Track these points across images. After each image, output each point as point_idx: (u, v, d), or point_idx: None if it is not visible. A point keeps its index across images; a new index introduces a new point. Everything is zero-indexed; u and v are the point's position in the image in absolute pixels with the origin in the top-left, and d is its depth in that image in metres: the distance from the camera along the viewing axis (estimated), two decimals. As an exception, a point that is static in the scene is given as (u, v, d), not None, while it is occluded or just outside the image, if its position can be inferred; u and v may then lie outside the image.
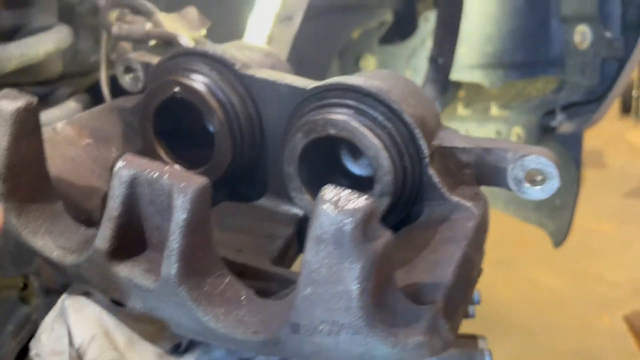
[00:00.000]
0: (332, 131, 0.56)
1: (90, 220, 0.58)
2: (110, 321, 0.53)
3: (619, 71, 1.42)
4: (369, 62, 1.86)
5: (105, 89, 0.95)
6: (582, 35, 1.47)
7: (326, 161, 0.64)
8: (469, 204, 0.56)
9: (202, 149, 0.66)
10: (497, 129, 1.75)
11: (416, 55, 1.80)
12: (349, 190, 0.40)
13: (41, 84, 1.05)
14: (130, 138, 0.68)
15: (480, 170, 0.60)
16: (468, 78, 1.71)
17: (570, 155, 1.54)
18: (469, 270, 0.49)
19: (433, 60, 1.57)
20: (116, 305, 0.52)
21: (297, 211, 0.65)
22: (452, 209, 0.56)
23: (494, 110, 1.80)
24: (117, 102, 0.71)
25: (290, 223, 0.63)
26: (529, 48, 1.59)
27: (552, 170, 0.59)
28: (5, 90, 0.51)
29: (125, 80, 0.75)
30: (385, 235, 0.40)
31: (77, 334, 0.52)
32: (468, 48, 1.65)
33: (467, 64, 1.69)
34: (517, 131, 1.67)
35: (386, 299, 0.40)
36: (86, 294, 0.57)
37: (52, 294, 0.94)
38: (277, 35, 0.89)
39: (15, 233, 0.52)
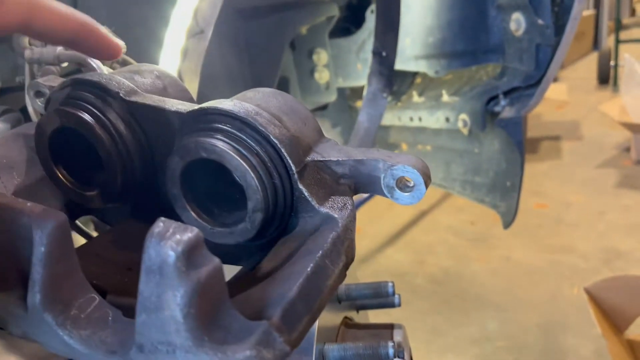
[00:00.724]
0: (203, 154, 0.59)
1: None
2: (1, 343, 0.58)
3: (552, 57, 1.46)
4: (321, 56, 1.89)
5: (31, 110, 0.98)
6: (517, 22, 1.51)
7: (219, 175, 0.68)
8: (335, 214, 0.60)
9: (101, 170, 0.70)
10: (446, 116, 1.79)
11: (365, 47, 1.83)
12: (178, 223, 0.44)
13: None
14: (33, 163, 0.72)
15: (357, 180, 0.64)
16: (414, 68, 1.74)
17: (513, 139, 1.59)
18: (319, 281, 0.53)
19: (376, 53, 1.61)
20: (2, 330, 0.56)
21: (191, 226, 0.68)
22: (322, 220, 0.60)
23: (445, 97, 1.84)
24: (21, 129, 0.75)
25: (183, 238, 0.67)
26: (469, 37, 1.63)
27: (417, 177, 0.63)
28: None
29: (37, 104, 0.78)
30: (211, 263, 0.44)
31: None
32: (411, 40, 1.68)
33: (412, 55, 1.72)
34: (463, 117, 1.71)
35: (218, 319, 0.45)
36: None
37: None
38: (190, 49, 0.92)
39: None
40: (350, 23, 1.98)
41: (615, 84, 5.65)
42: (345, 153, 0.65)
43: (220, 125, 0.60)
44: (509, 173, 1.77)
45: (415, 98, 1.94)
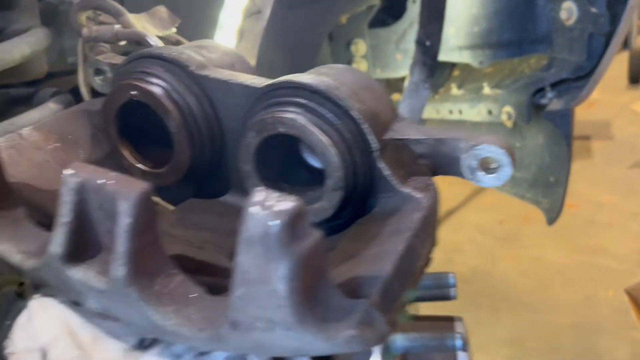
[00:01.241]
0: (281, 129, 0.57)
1: (56, 224, 0.60)
2: (75, 320, 0.56)
3: (605, 47, 1.41)
4: (359, 46, 1.86)
5: (83, 90, 0.97)
6: (568, 11, 1.46)
7: (287, 155, 0.65)
8: (418, 195, 0.57)
9: (167, 149, 0.68)
10: (489, 109, 1.75)
11: (405, 38, 1.80)
12: (278, 194, 0.41)
13: (28, 84, 1.07)
14: (98, 140, 0.70)
15: (435, 161, 0.61)
16: (457, 59, 1.71)
17: (561, 132, 1.54)
18: (411, 261, 0.50)
19: (420, 42, 1.57)
20: (77, 306, 0.54)
21: (260, 206, 0.66)
22: (403, 200, 0.58)
23: (486, 89, 1.80)
24: (84, 105, 0.73)
25: (252, 219, 0.65)
26: (516, 27, 1.59)
27: (503, 157, 0.60)
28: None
29: (97, 82, 0.76)
30: (313, 236, 0.41)
31: (40, 335, 0.54)
32: (456, 29, 1.65)
33: (455, 45, 1.68)
34: (508, 110, 1.67)
35: (318, 295, 0.42)
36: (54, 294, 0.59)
37: (43, 290, 0.97)
38: (247, 29, 0.90)
39: (-22, 240, 0.54)
40: (387, 14, 1.95)
41: (646, 83, 5.54)
42: (424, 132, 0.62)
43: (299, 100, 0.58)
44: (552, 168, 1.72)
45: (454, 91, 1.90)
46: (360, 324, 0.42)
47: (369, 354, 0.73)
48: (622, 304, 2.65)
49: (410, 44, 1.76)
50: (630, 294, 2.04)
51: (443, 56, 1.64)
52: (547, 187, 1.78)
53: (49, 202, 0.62)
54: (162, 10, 0.87)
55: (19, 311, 1.11)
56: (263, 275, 0.40)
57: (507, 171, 0.60)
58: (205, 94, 0.63)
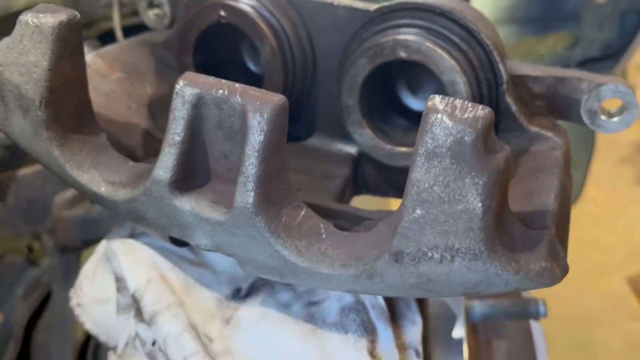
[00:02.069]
0: (402, 54, 0.51)
1: (132, 157, 0.53)
2: (164, 264, 0.48)
3: (638, 23, 1.38)
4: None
5: (119, 34, 0.88)
6: (601, -13, 1.42)
7: (382, 97, 0.59)
8: (549, 134, 0.52)
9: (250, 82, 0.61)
10: (508, 88, 1.71)
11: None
12: (461, 99, 0.35)
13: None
14: (164, 74, 0.62)
15: (552, 102, 0.56)
16: (480, 35, 1.66)
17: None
18: (567, 198, 0.44)
19: (446, 15, 1.52)
20: (174, 244, 0.47)
21: (351, 150, 0.60)
22: (531, 140, 0.52)
23: (503, 69, 1.75)
24: (146, 36, 0.65)
25: (346, 162, 0.59)
26: (544, 2, 1.54)
27: (631, 99, 0.54)
28: (42, 4, 0.45)
29: (149, 16, 0.68)
30: (505, 150, 0.35)
31: (130, 278, 0.47)
32: (481, 4, 1.60)
33: (479, 20, 1.64)
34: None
35: (504, 221, 0.36)
36: (131, 237, 0.52)
37: (69, 253, 0.89)
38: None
39: (57, 166, 0.46)
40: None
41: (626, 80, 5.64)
42: (542, 70, 0.56)
43: (421, 22, 0.51)
44: (572, 149, 1.68)
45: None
46: (549, 257, 0.36)
47: (454, 319, 0.67)
48: (614, 295, 2.67)
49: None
50: (633, 283, 2.03)
51: (466, 31, 1.59)
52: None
53: (119, 135, 0.55)
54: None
55: (31, 279, 1.02)
56: (452, 193, 0.34)
57: (633, 114, 0.55)
58: (302, 19, 0.56)
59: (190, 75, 0.41)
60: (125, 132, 0.55)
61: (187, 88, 0.41)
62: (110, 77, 0.58)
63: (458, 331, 0.66)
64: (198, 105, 0.41)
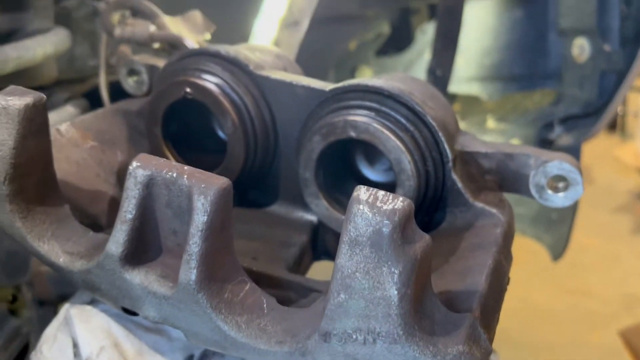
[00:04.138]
0: (352, 133, 0.54)
1: (96, 225, 0.56)
2: (119, 331, 0.50)
3: (617, 84, 1.42)
4: (365, 73, 1.85)
5: (104, 94, 0.92)
6: (581, 48, 1.47)
7: (341, 167, 0.62)
8: (494, 210, 0.54)
9: (211, 154, 0.64)
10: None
11: (412, 67, 1.79)
12: (383, 191, 0.37)
13: (36, 90, 1.02)
14: (136, 141, 0.66)
15: (502, 177, 0.58)
16: (466, 90, 1.70)
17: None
18: (500, 277, 0.47)
19: (431, 72, 1.56)
20: (126, 314, 0.49)
21: (311, 218, 0.62)
22: (476, 215, 0.54)
23: (490, 123, 1.80)
24: (121, 105, 0.69)
25: (305, 230, 0.61)
26: (527, 61, 1.59)
27: (575, 176, 0.57)
28: (12, 87, 0.48)
29: (129, 83, 0.72)
30: (424, 239, 0.38)
31: (84, 345, 0.49)
32: (466, 60, 1.65)
33: (464, 77, 1.68)
34: (515, 143, 1.66)
35: (424, 306, 0.38)
36: (91, 302, 0.54)
37: (45, 306, 0.91)
38: (283, 40, 0.87)
39: (19, 237, 0.49)
40: (392, 45, 1.95)
41: (623, 130, 5.69)
42: (492, 146, 0.59)
43: (371, 104, 0.55)
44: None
45: (456, 124, 1.89)
46: (469, 340, 0.38)
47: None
48: (608, 346, 2.64)
49: (416, 74, 1.75)
50: (625, 337, 2.02)
51: (452, 87, 1.64)
52: (549, 224, 1.77)
53: (86, 202, 0.57)
54: (196, 14, 0.84)
55: (12, 330, 1.04)
56: (372, 280, 0.36)
57: (577, 191, 0.57)
58: (264, 95, 0.60)
59: (143, 156, 0.44)
60: (91, 200, 0.57)
61: (139, 170, 0.43)
62: (82, 146, 0.61)
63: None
64: (149, 185, 0.44)
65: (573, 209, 1.64)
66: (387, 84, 0.55)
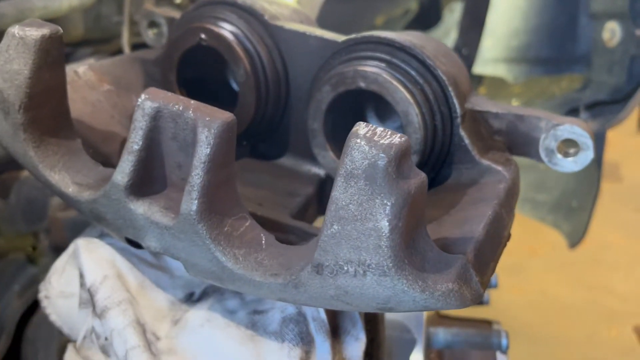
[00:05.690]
0: (361, 84, 0.54)
1: (108, 164, 0.57)
2: (123, 263, 0.52)
3: (647, 70, 1.39)
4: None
5: (126, 50, 0.94)
6: (611, 32, 1.44)
7: (352, 122, 0.62)
8: (499, 167, 0.54)
9: (223, 105, 0.65)
10: (518, 126, 1.72)
11: (439, 47, 1.78)
12: (382, 128, 0.38)
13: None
14: (152, 89, 0.67)
15: (512, 139, 0.58)
16: (492, 72, 1.68)
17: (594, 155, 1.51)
18: (499, 229, 0.47)
19: (457, 50, 1.55)
20: (130, 246, 0.50)
21: (319, 171, 0.63)
22: (482, 172, 0.54)
23: (516, 105, 1.77)
24: (139, 54, 0.70)
25: (312, 183, 0.62)
26: (556, 44, 1.56)
27: (586, 140, 0.56)
28: (30, 19, 0.49)
29: (149, 35, 0.73)
30: (419, 176, 0.38)
31: (88, 274, 0.50)
32: (493, 41, 1.62)
33: (491, 57, 1.66)
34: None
35: (416, 242, 0.38)
36: (100, 237, 0.56)
37: (61, 252, 0.93)
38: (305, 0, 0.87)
39: (31, 166, 0.50)
40: (420, 23, 1.93)
41: (656, 129, 5.56)
42: (503, 107, 0.59)
43: (382, 55, 0.55)
44: (576, 192, 1.69)
45: (481, 107, 1.87)
46: (459, 279, 0.38)
47: (413, 343, 0.69)
48: (625, 343, 2.60)
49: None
50: (639, 332, 1.99)
51: (477, 68, 1.62)
52: (569, 211, 1.75)
53: (99, 142, 0.59)
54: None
55: (29, 277, 1.07)
56: (364, 212, 0.36)
57: (588, 155, 0.57)
58: (277, 46, 0.60)
59: (152, 90, 0.45)
60: (105, 140, 0.59)
61: (148, 102, 0.44)
62: (98, 89, 0.63)
63: (416, 356, 0.67)
64: (156, 118, 0.44)
65: (593, 197, 1.62)
66: (399, 37, 0.55)
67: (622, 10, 1.39)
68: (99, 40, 1.09)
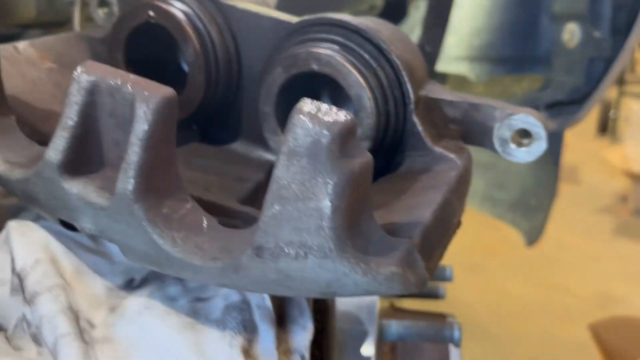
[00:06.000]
0: (314, 66, 0.52)
1: (44, 143, 0.54)
2: (58, 248, 0.49)
3: (604, 71, 1.41)
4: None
5: (77, 28, 0.91)
6: (571, 33, 1.46)
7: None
8: (452, 155, 0.53)
9: (175, 87, 0.62)
10: (479, 125, 1.73)
11: (403, 43, 1.77)
12: (328, 105, 0.36)
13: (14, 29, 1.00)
14: (98, 69, 0.64)
15: (467, 127, 0.57)
16: (455, 70, 1.69)
17: (550, 154, 1.53)
18: (448, 215, 0.46)
19: (420, 47, 1.54)
20: (65, 228, 0.48)
21: (271, 158, 0.61)
22: (434, 160, 0.53)
23: (477, 106, 1.78)
24: (86, 32, 0.67)
25: (263, 169, 0.60)
26: (517, 43, 1.58)
27: (539, 130, 0.56)
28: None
29: (99, 14, 0.70)
30: (365, 156, 0.36)
31: (19, 258, 0.47)
32: (456, 39, 1.63)
33: (454, 55, 1.67)
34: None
35: (360, 225, 0.37)
36: (35, 220, 0.53)
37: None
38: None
39: (-42, 142, 0.47)
40: (386, 18, 1.93)
41: (614, 133, 5.71)
42: (459, 96, 0.58)
43: (336, 37, 0.53)
44: (535, 192, 1.71)
45: (444, 105, 1.88)
46: (403, 263, 0.37)
47: (365, 335, 0.67)
48: (579, 340, 2.66)
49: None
50: (593, 330, 2.03)
51: (441, 66, 1.62)
52: (527, 210, 1.77)
53: (38, 121, 0.56)
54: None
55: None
56: (306, 191, 0.35)
57: (541, 146, 0.56)
58: (229, 25, 0.58)
59: (90, 63, 0.43)
60: (44, 119, 0.56)
61: (84, 75, 0.42)
62: (40, 66, 0.60)
63: (367, 348, 0.66)
64: (93, 92, 0.42)
65: (551, 195, 1.64)
66: (354, 20, 0.53)
67: (582, 11, 1.41)
68: (51, 23, 1.05)
